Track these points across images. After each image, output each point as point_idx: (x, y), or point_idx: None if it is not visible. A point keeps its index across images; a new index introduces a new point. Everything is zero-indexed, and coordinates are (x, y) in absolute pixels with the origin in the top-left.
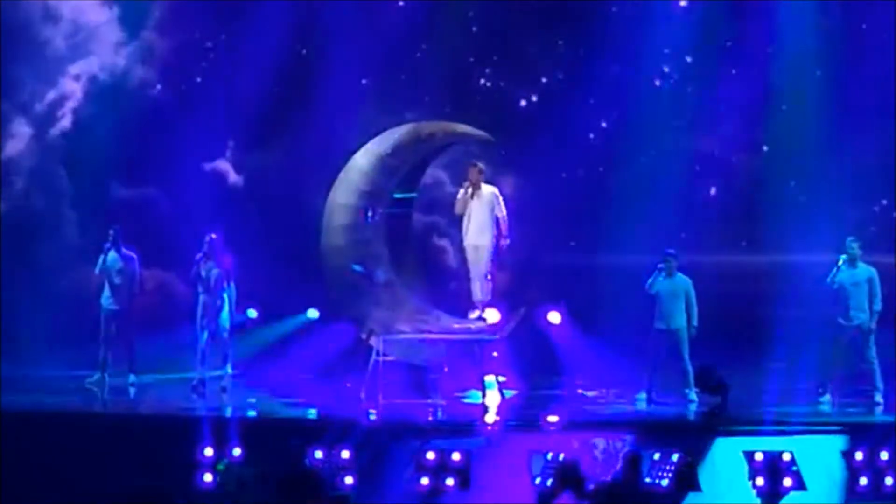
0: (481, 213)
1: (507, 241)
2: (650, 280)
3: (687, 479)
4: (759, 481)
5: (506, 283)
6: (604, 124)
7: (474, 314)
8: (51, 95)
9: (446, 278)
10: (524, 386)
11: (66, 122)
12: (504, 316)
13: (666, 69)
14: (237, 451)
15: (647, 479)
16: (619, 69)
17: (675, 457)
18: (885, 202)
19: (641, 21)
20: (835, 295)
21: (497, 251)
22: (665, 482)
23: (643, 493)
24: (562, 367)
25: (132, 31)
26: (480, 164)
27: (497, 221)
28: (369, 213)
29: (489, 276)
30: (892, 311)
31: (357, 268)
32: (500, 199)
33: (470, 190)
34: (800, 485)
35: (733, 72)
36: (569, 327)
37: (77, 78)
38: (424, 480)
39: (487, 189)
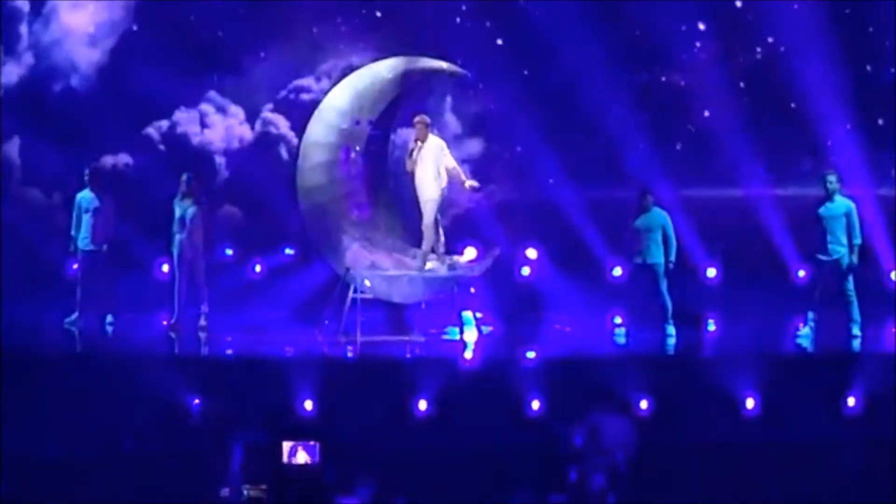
0: (424, 167)
1: (476, 185)
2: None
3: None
4: None
5: (483, 220)
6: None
7: (409, 256)
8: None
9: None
10: (501, 322)
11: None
12: (481, 252)
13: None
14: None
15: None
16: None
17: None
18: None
19: None
20: (814, 229)
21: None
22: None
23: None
24: (539, 303)
25: None
26: (425, 117)
27: (449, 172)
28: (349, 151)
29: (440, 229)
30: None
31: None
32: (445, 149)
33: (419, 144)
34: None
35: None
36: (546, 263)
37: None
38: (404, 415)
39: (433, 141)
